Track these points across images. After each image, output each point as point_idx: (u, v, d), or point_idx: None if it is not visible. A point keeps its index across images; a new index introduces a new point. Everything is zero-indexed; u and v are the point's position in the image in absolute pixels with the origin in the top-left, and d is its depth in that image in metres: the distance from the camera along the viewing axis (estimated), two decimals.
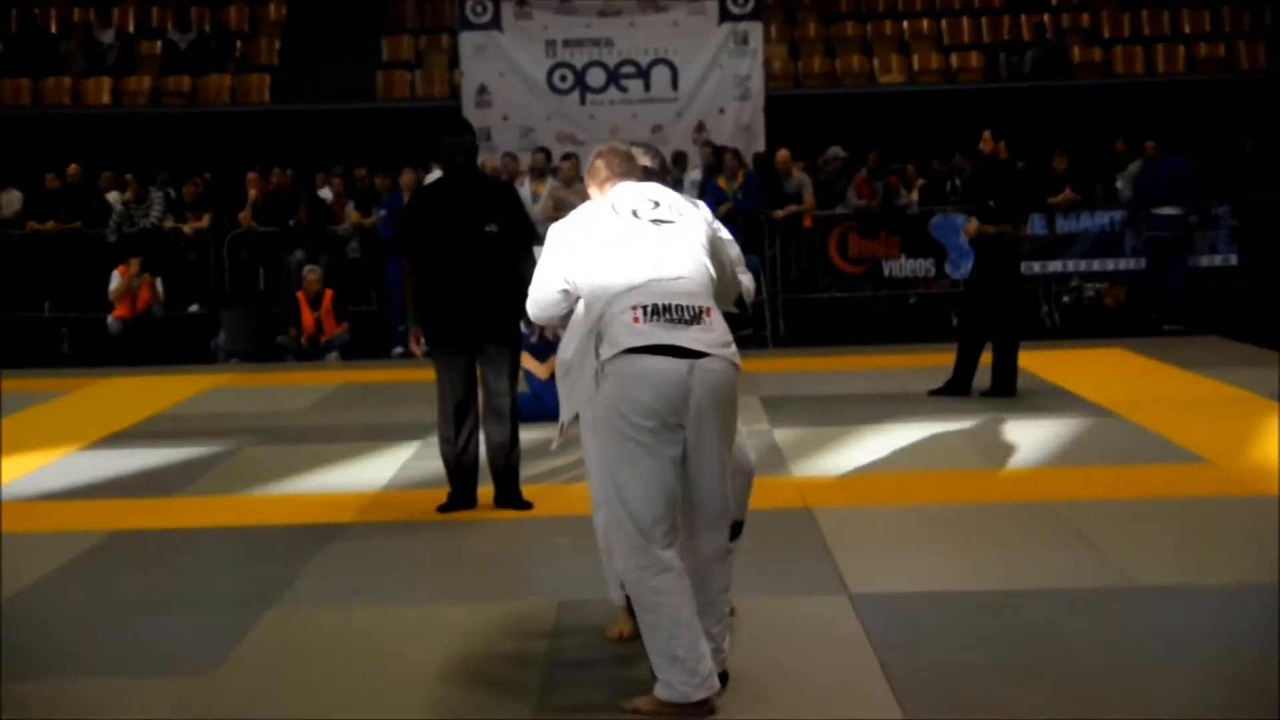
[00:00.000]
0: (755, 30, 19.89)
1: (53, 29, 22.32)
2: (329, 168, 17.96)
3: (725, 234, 5.33)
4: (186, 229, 16.83)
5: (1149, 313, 15.92)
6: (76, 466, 9.72)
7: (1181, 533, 7.22)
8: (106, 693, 5.32)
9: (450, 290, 7.84)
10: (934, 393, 11.42)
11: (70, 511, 8.50)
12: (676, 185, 16.00)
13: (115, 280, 15.89)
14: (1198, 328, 15.31)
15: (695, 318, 4.85)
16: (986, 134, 11.52)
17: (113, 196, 17.27)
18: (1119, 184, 16.85)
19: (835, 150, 17.11)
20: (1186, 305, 15.85)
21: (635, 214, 5.04)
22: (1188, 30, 21.67)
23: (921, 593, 6.21)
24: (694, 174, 18.10)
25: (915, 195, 17.05)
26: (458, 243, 7.84)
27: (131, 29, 22.43)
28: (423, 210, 8.04)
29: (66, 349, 16.63)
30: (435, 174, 14.90)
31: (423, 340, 7.97)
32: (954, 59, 21.40)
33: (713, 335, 4.86)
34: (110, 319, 15.81)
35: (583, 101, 19.97)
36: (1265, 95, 19.60)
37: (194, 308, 16.83)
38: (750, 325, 16.29)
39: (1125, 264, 16.58)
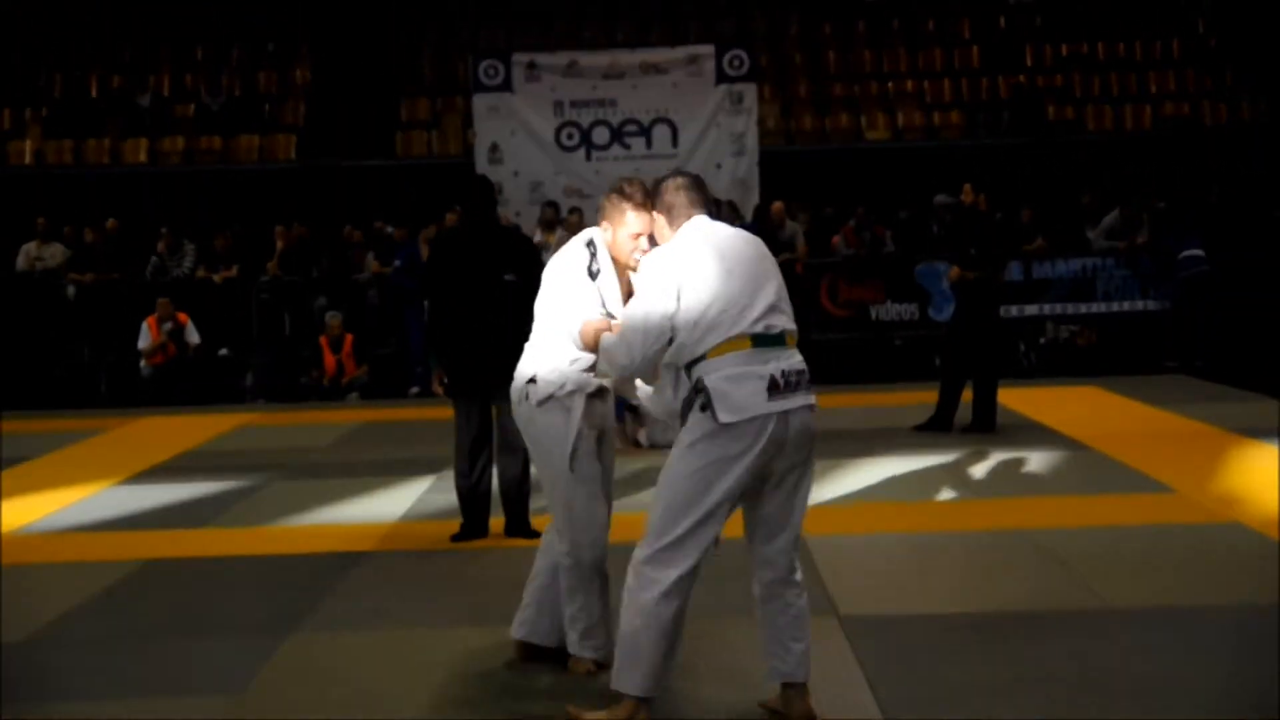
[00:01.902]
0: (750, 91, 19.92)
1: (93, 94, 22.40)
2: (352, 222, 18.00)
3: None
4: (217, 278, 16.85)
5: (1172, 355, 15.83)
6: (113, 500, 9.71)
7: (1152, 557, 7.20)
8: (140, 712, 5.31)
9: (469, 336, 7.84)
10: (918, 428, 11.41)
11: (106, 542, 8.49)
12: None
13: (145, 336, 15.78)
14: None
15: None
16: (967, 187, 11.61)
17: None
18: (1090, 234, 16.85)
19: (943, 198, 17.07)
20: (1214, 344, 15.79)
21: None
22: (1154, 90, 21.74)
23: (908, 615, 6.19)
24: None
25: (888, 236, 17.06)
26: (477, 290, 7.84)
27: (167, 93, 22.51)
28: (444, 257, 8.06)
29: (104, 390, 16.62)
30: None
31: (445, 378, 7.97)
32: (936, 117, 21.45)
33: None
34: (143, 365, 15.78)
35: (589, 158, 20.00)
36: (1227, 149, 19.66)
37: (224, 351, 16.85)
38: None
39: (1097, 307, 16.58)
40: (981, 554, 7.39)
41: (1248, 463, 9.62)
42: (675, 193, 5.01)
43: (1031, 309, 16.60)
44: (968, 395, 11.39)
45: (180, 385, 15.64)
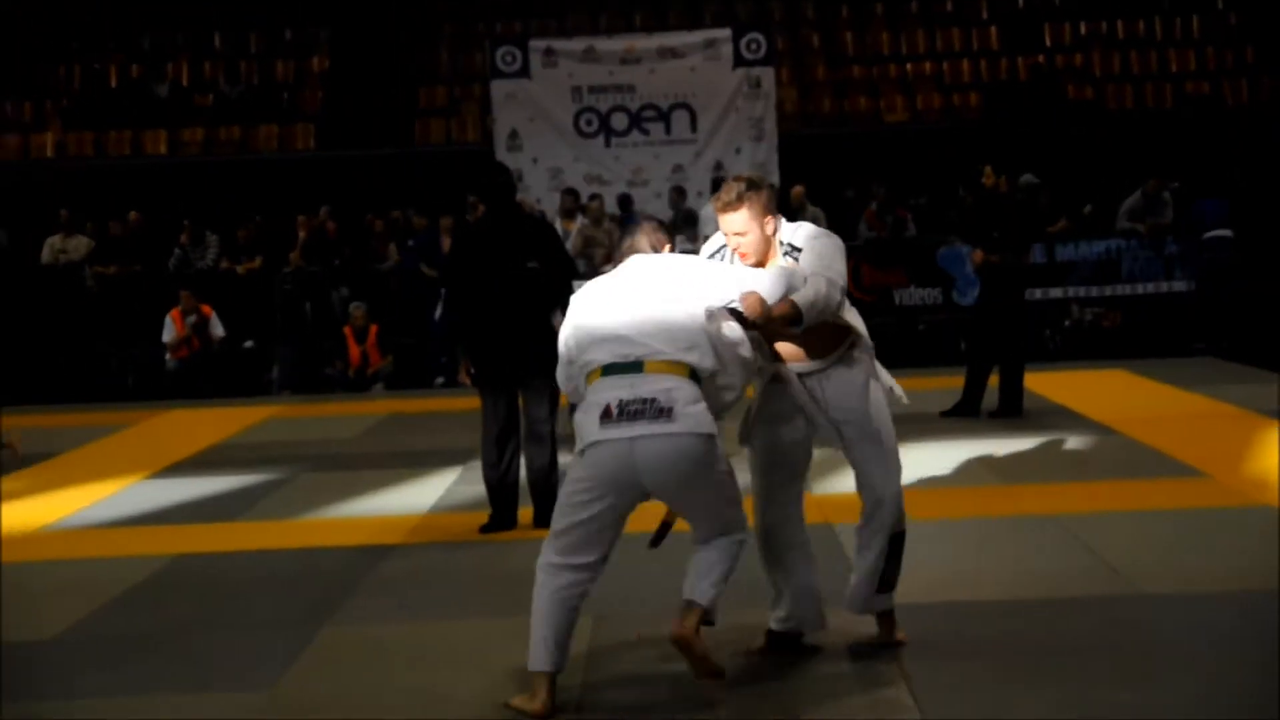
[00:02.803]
0: (768, 75, 19.87)
1: (112, 84, 22.42)
2: (372, 210, 18.00)
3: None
4: (240, 269, 16.87)
5: (1199, 337, 15.79)
6: (141, 495, 9.73)
7: (1182, 542, 7.18)
8: (169, 710, 5.32)
9: (493, 325, 7.84)
10: (945, 414, 11.37)
11: (136, 537, 8.51)
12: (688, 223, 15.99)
13: (169, 330, 15.80)
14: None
15: None
16: (988, 169, 11.51)
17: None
18: (1120, 215, 16.76)
19: (1028, 178, 17.02)
20: (1235, 326, 15.75)
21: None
22: (1175, 68, 21.61)
23: (934, 603, 6.16)
24: (709, 209, 18.09)
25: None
26: (500, 279, 7.84)
27: (185, 83, 22.53)
28: (466, 249, 8.05)
29: (130, 384, 16.66)
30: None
31: (471, 369, 7.96)
32: (955, 98, 21.38)
33: None
34: (168, 359, 15.81)
35: (607, 144, 19.97)
36: (1249, 128, 19.54)
37: (249, 343, 16.87)
38: None
39: (1122, 289, 16.50)
40: (1009, 540, 7.36)
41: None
42: (638, 237, 5.33)
43: (1056, 292, 16.53)
44: (994, 380, 11.35)
45: (205, 378, 15.67)
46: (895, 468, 5.51)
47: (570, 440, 10.11)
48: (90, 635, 6.36)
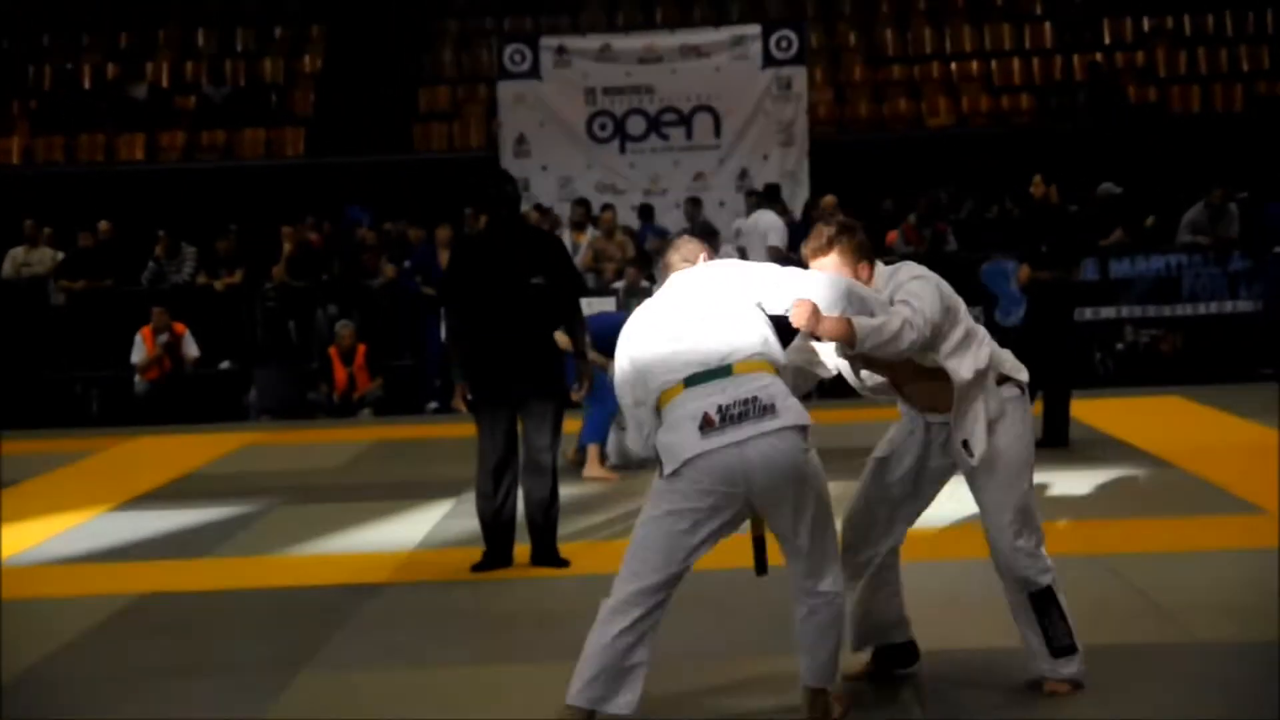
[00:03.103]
0: (799, 75, 19.95)
1: (86, 85, 22.58)
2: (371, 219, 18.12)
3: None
4: (219, 285, 16.96)
5: (1266, 361, 15.78)
6: (106, 528, 9.77)
7: (1243, 586, 7.16)
8: None
9: (494, 344, 7.88)
10: None
11: (100, 574, 8.55)
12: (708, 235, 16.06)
13: (139, 349, 15.88)
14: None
15: None
16: (1038, 178, 11.56)
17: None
18: (1181, 228, 16.76)
19: (1108, 186, 17.06)
20: None
21: None
22: (1246, 67, 21.61)
23: (971, 649, 6.17)
24: (736, 222, 18.12)
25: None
26: (502, 296, 7.88)
27: (165, 84, 22.69)
28: (466, 263, 8.08)
29: (95, 408, 16.75)
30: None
31: (468, 395, 8.00)
32: (1004, 100, 21.42)
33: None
34: (137, 380, 15.89)
35: (623, 150, 20.06)
36: None
37: (225, 364, 16.95)
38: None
39: (1182, 309, 16.49)
40: None
41: None
42: (670, 253, 5.56)
43: (1108, 311, 16.52)
44: (1038, 407, 11.34)
45: (178, 402, 15.73)
46: (1009, 521, 5.60)
47: (576, 467, 10.15)
48: (47, 681, 6.40)
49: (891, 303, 5.32)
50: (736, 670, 6.09)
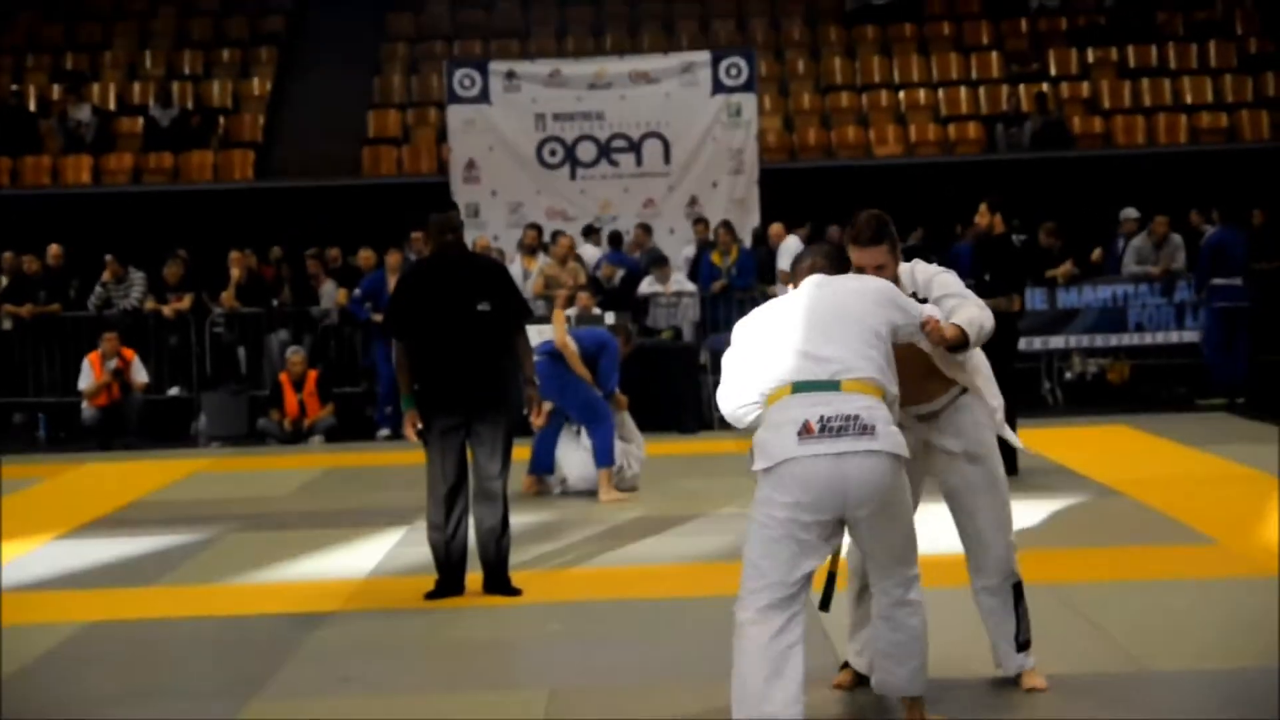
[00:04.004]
0: (749, 102, 20.01)
1: (31, 107, 22.44)
2: (318, 245, 18.07)
3: None
4: (167, 310, 16.86)
5: (1210, 390, 15.98)
6: (52, 556, 9.69)
7: (1191, 616, 7.23)
8: None
9: (441, 371, 7.89)
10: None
11: (48, 602, 8.48)
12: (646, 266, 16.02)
13: (87, 375, 15.76)
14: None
15: None
16: (983, 207, 11.62)
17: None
18: (1126, 257, 16.90)
19: (1129, 212, 17.14)
20: (1249, 378, 16.03)
21: None
22: (1189, 100, 21.86)
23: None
24: (687, 250, 18.17)
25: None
26: (449, 323, 7.90)
27: (112, 106, 22.58)
28: (411, 291, 8.09)
29: (42, 434, 16.62)
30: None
31: (418, 424, 7.99)
32: (951, 130, 21.58)
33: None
34: (85, 406, 15.77)
35: (573, 176, 20.07)
36: (1269, 166, 19.74)
37: (174, 391, 16.85)
38: None
39: (1129, 339, 16.64)
40: None
41: None
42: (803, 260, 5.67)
43: (1057, 341, 16.66)
44: None
45: (126, 428, 15.63)
46: (1008, 518, 6.00)
47: (537, 493, 10.14)
48: None
49: (926, 299, 5.61)
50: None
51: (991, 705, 5.89)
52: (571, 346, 11.01)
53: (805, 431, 5.08)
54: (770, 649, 5.08)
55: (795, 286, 5.49)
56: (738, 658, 5.13)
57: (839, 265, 5.59)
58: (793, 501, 5.11)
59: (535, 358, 10.72)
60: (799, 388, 5.16)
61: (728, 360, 5.46)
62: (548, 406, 10.94)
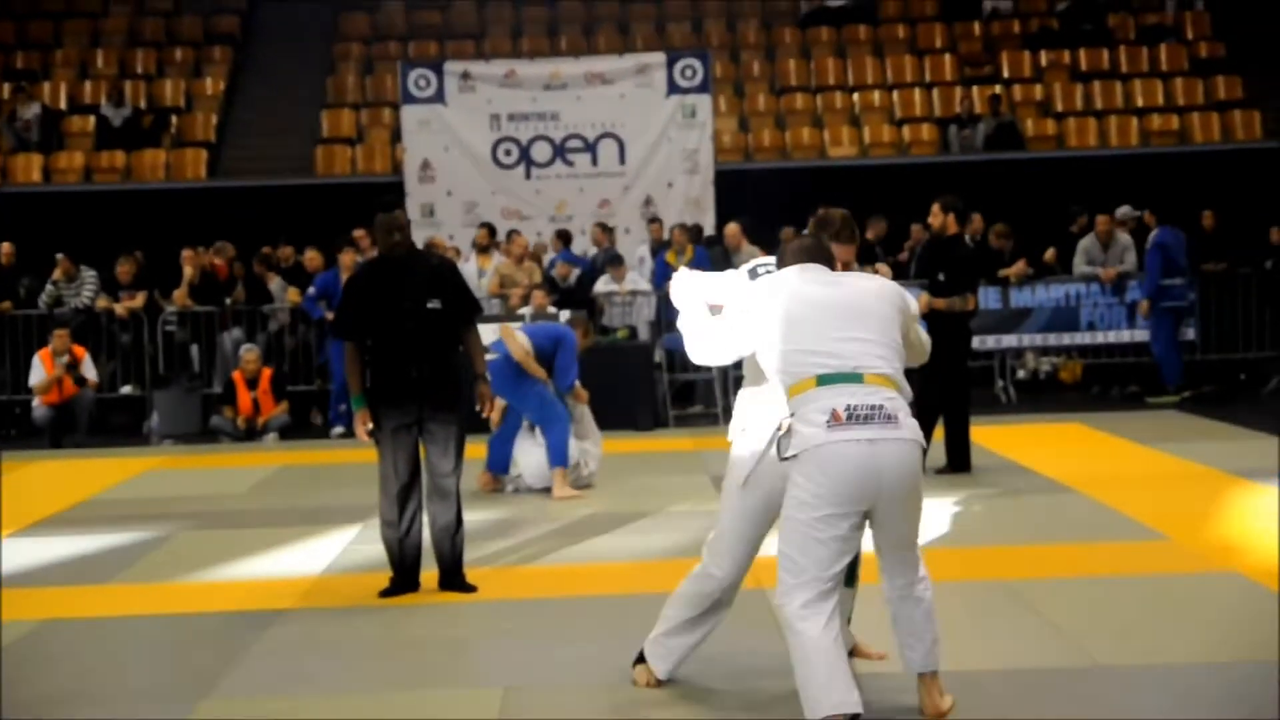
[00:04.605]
0: (704, 103, 20.04)
1: None
2: (271, 245, 17.99)
3: None
4: (119, 309, 16.74)
5: (1160, 386, 16.16)
6: (6, 553, 9.57)
7: (1143, 611, 7.26)
8: None
9: (393, 370, 7.87)
10: None
11: None
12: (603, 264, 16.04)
13: (38, 370, 15.62)
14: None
15: None
16: (935, 206, 11.64)
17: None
18: (1076, 257, 16.98)
19: (1125, 210, 17.19)
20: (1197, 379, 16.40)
21: None
22: (1140, 103, 22.00)
23: (875, 673, 6.20)
24: (641, 250, 18.16)
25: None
26: (400, 321, 7.88)
27: (63, 105, 22.42)
28: (362, 291, 8.06)
29: None
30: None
31: (369, 424, 7.96)
32: (906, 132, 21.65)
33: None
34: (36, 404, 15.63)
35: (528, 176, 20.06)
36: (1219, 169, 19.91)
37: (127, 389, 16.74)
38: (700, 402, 16.37)
39: (1081, 338, 16.73)
40: (956, 608, 7.40)
41: (1246, 506, 9.72)
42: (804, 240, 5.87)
43: (1010, 340, 16.73)
44: (940, 434, 11.45)
45: (78, 426, 15.51)
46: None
47: (493, 491, 10.15)
48: None
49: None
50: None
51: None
52: (527, 347, 10.98)
53: (834, 419, 5.25)
54: (823, 641, 5.25)
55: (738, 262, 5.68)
56: (801, 656, 5.28)
57: (829, 260, 5.71)
58: (827, 491, 5.25)
59: (490, 356, 10.74)
60: (824, 380, 5.32)
61: (735, 316, 5.62)
62: (501, 403, 10.94)
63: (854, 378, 5.32)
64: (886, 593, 5.60)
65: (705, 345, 5.83)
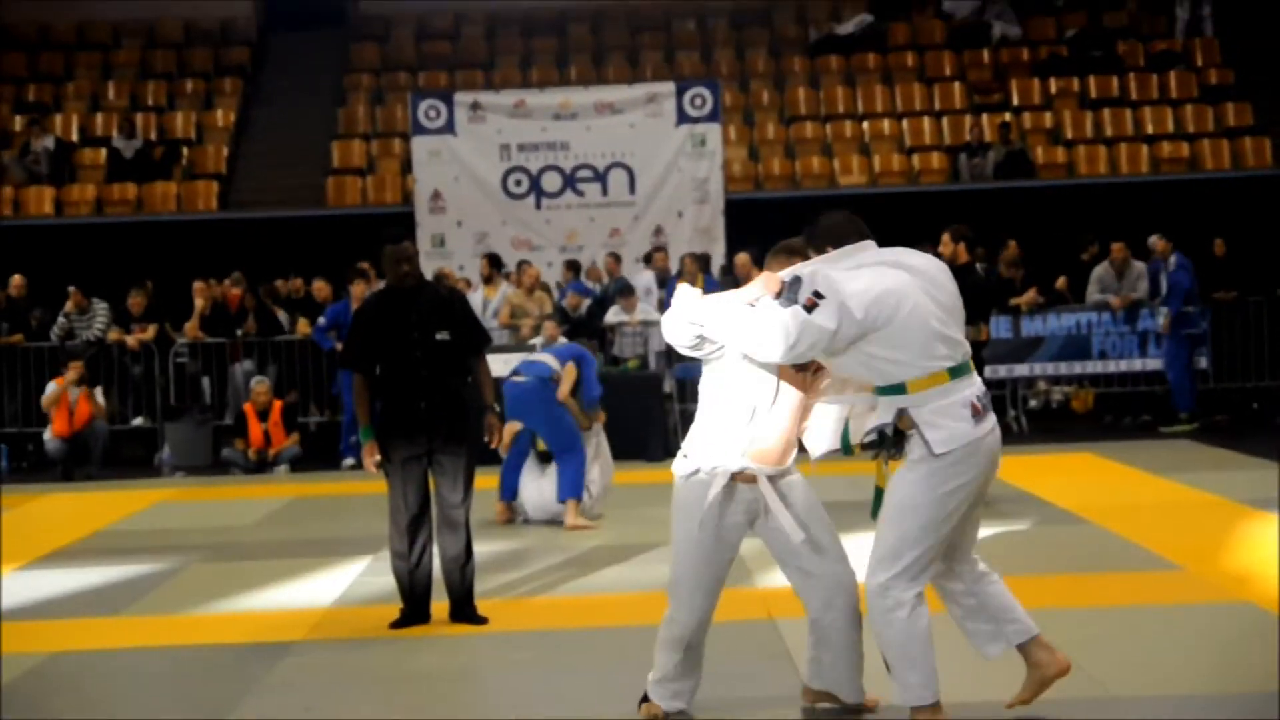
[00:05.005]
0: (714, 132, 20.07)
1: None
2: (284, 275, 18.02)
3: None
4: (131, 340, 16.76)
5: (1172, 415, 16.21)
6: (14, 586, 9.60)
7: (1156, 641, 7.23)
8: None
9: (402, 401, 7.88)
10: None
11: (10, 632, 8.35)
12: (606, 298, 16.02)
13: (50, 390, 15.67)
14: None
15: None
16: (946, 236, 11.62)
17: None
18: (1090, 286, 16.95)
19: (1155, 241, 17.28)
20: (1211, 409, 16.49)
21: None
22: (1150, 130, 22.00)
23: (889, 707, 6.17)
24: (645, 278, 18.12)
25: None
26: (408, 352, 7.88)
27: (75, 137, 22.49)
28: (370, 322, 8.08)
29: (4, 465, 16.48)
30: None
31: (377, 455, 7.96)
32: (916, 160, 21.65)
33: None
34: (48, 437, 15.64)
35: (538, 206, 20.08)
36: (1229, 196, 19.88)
37: (138, 421, 16.76)
38: None
39: (1093, 367, 16.69)
40: (967, 640, 7.38)
41: (1259, 537, 9.67)
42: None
43: (1021, 369, 16.70)
44: None
45: (89, 459, 15.52)
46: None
47: (508, 521, 10.09)
48: None
49: None
50: None
51: None
52: (569, 386, 11.13)
53: (975, 413, 5.43)
54: (928, 628, 5.52)
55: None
56: (916, 638, 5.46)
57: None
58: (970, 480, 5.42)
59: (520, 379, 10.78)
60: (954, 373, 5.44)
61: (836, 307, 5.34)
62: (515, 427, 10.95)
63: (969, 368, 5.47)
64: (962, 587, 5.74)
65: (772, 335, 5.40)
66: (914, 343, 5.38)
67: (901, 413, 5.45)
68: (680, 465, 5.89)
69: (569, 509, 10.94)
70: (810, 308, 5.31)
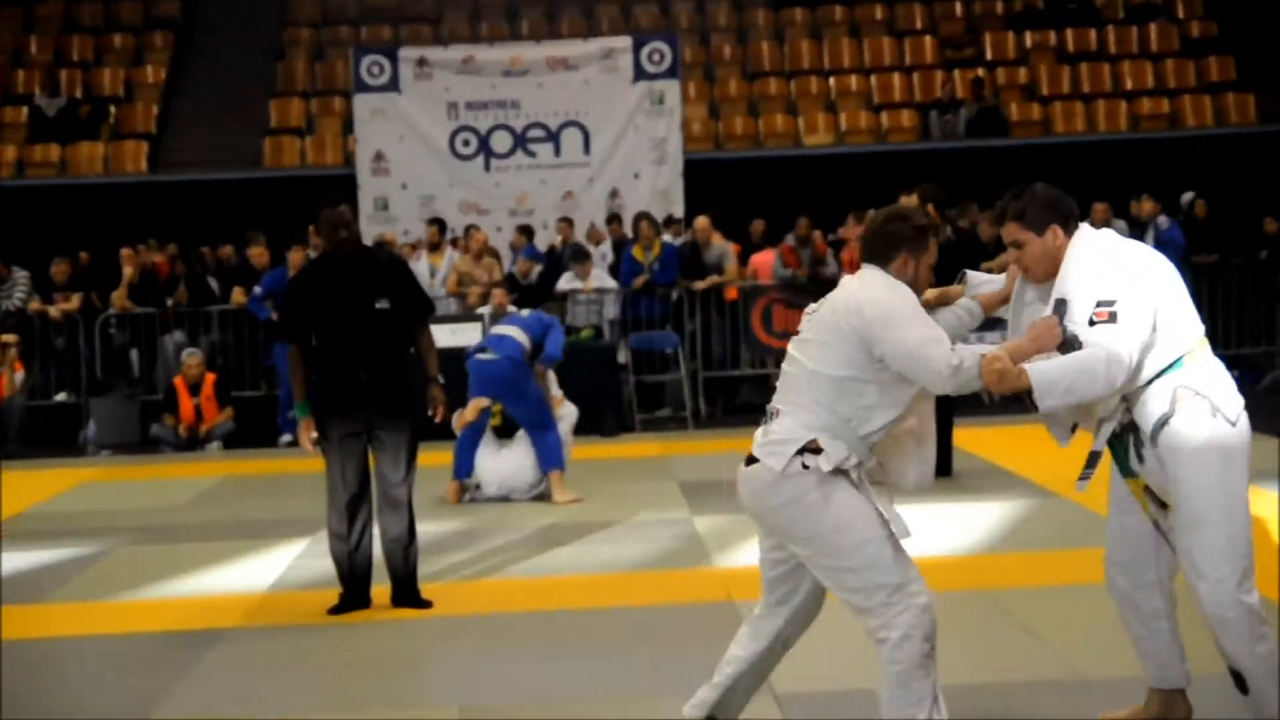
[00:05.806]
0: (672, 89, 20.07)
1: None
2: (211, 242, 17.95)
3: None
4: (54, 311, 16.66)
5: None
6: None
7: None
8: None
9: (339, 374, 7.85)
10: None
11: None
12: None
13: None
14: None
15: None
16: (914, 197, 11.64)
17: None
18: None
19: (1190, 196, 17.29)
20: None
21: None
22: (1129, 86, 22.09)
23: (852, 690, 6.23)
24: (603, 247, 18.13)
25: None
26: (346, 323, 7.85)
27: None
28: (305, 291, 8.04)
29: None
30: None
31: (313, 432, 7.95)
32: (884, 118, 21.71)
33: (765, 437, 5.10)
34: None
35: (487, 168, 20.06)
36: (1212, 154, 20.01)
37: (61, 396, 16.66)
38: (668, 405, 16.37)
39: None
40: (938, 618, 7.42)
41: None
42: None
43: (992, 336, 16.72)
44: None
45: (7, 435, 15.46)
46: None
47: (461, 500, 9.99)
48: None
49: None
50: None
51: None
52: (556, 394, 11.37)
53: None
54: None
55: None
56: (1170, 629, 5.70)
57: None
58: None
59: (488, 356, 10.78)
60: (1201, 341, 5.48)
61: (1139, 316, 5.23)
62: (483, 403, 10.95)
63: None
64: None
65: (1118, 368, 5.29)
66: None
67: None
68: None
69: (554, 481, 10.98)
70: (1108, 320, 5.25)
